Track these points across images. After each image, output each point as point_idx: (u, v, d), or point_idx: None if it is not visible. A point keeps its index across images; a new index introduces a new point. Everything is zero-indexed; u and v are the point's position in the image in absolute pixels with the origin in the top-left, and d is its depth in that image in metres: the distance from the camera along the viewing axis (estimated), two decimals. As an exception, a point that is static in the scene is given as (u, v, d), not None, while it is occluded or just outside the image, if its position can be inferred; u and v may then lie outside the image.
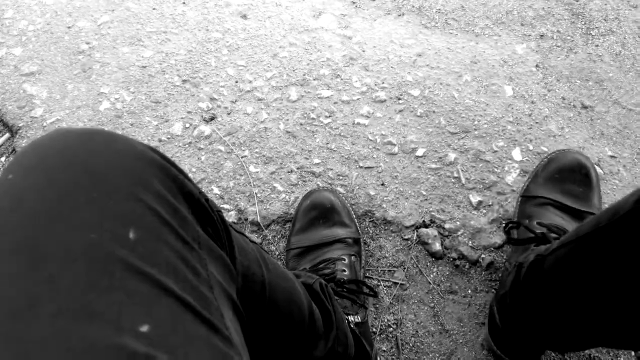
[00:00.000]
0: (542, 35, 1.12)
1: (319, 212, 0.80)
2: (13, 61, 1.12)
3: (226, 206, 0.90)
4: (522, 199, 0.82)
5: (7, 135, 1.02)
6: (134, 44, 1.14)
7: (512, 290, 0.65)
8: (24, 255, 0.24)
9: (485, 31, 1.14)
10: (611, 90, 1.02)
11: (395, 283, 0.81)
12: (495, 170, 0.91)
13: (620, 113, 0.99)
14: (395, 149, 0.95)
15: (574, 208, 0.74)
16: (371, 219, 0.87)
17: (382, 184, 0.90)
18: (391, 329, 0.77)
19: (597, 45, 1.10)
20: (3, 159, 1.00)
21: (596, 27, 1.13)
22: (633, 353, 0.74)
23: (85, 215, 0.25)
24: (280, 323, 0.47)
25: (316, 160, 0.94)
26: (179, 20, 1.18)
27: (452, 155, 0.93)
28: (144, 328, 0.23)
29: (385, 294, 0.80)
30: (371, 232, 0.85)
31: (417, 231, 0.85)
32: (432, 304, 0.78)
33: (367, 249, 0.84)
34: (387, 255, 0.83)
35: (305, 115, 1.00)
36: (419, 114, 0.99)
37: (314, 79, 1.06)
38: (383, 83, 1.04)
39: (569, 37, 1.12)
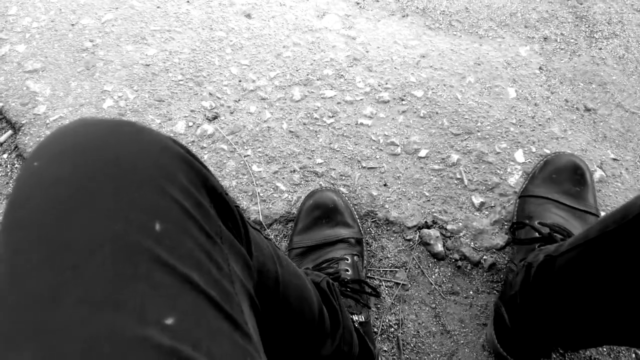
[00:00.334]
0: (545, 38, 1.12)
1: (322, 212, 0.80)
2: (16, 58, 1.13)
3: (229, 205, 0.90)
4: (521, 199, 0.83)
5: (10, 132, 1.02)
6: (137, 42, 1.14)
7: (523, 290, 0.65)
8: (48, 243, 0.24)
9: (489, 33, 1.14)
10: (614, 93, 1.02)
11: (397, 283, 0.81)
12: (498, 171, 0.91)
13: (623, 116, 0.99)
14: (398, 150, 0.95)
15: (571, 206, 0.76)
16: (373, 220, 0.87)
17: (385, 185, 0.90)
18: (392, 329, 0.77)
19: (600, 48, 1.10)
20: (5, 156, 1.00)
21: (600, 30, 1.13)
22: (634, 354, 0.74)
23: (111, 206, 0.25)
24: (291, 320, 0.47)
25: (319, 160, 0.94)
26: (183, 19, 1.18)
27: (454, 157, 0.93)
28: (169, 321, 0.23)
29: (386, 294, 0.80)
30: (373, 232, 0.85)
31: (419, 232, 0.85)
32: (434, 305, 0.79)
33: (369, 249, 0.84)
34: (389, 255, 0.83)
35: (308, 115, 1.00)
36: (422, 115, 0.99)
37: (318, 79, 1.06)
38: (386, 84, 1.04)
39: (572, 40, 1.12)
